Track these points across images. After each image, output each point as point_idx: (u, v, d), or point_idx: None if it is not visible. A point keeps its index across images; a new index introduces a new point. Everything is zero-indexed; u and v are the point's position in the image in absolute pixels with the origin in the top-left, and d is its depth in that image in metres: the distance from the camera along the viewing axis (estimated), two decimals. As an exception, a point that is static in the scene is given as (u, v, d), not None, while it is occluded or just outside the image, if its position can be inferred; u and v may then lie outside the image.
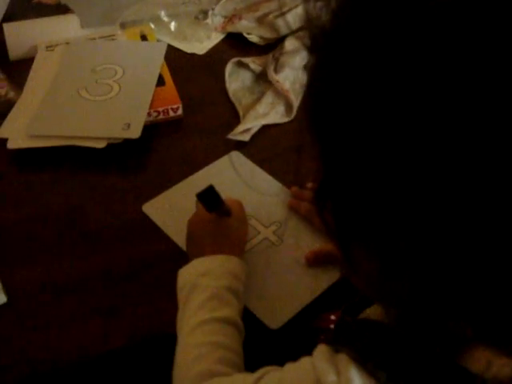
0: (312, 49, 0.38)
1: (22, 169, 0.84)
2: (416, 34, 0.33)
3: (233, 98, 0.94)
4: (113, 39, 1.00)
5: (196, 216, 0.71)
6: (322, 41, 0.37)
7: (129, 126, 0.84)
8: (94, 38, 1.01)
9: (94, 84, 0.91)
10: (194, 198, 0.78)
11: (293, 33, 1.02)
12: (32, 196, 0.80)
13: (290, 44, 0.99)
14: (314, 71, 0.39)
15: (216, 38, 1.06)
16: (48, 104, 0.88)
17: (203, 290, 0.62)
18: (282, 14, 1.02)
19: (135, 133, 0.83)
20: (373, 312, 0.48)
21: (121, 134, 0.83)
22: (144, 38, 1.01)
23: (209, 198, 0.68)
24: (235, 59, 0.97)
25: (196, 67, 1.00)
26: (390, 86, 0.33)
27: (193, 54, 1.03)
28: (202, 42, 1.04)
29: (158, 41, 1.02)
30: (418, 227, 0.35)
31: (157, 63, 0.95)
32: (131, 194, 0.80)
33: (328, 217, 0.41)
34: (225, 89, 0.96)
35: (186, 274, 0.65)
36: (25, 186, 0.81)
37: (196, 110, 0.92)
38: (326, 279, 0.71)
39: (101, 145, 0.82)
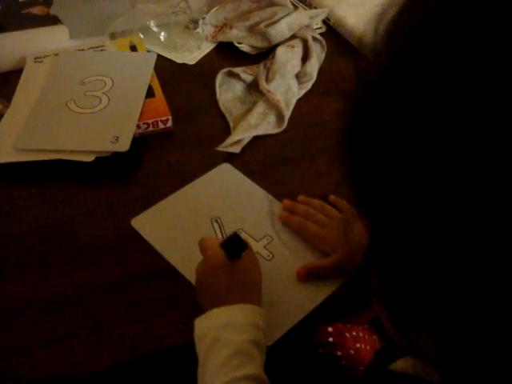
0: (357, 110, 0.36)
1: (9, 183, 0.82)
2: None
3: (223, 109, 0.93)
4: (102, 50, 0.99)
5: (205, 263, 0.66)
6: (370, 103, 0.35)
7: (117, 138, 0.83)
8: (83, 49, 1.00)
9: (82, 96, 0.90)
10: (184, 213, 0.78)
11: (284, 42, 1.01)
12: (19, 211, 0.79)
13: (281, 53, 0.98)
14: (359, 138, 0.36)
15: (207, 47, 1.05)
16: (36, 117, 0.87)
17: (225, 344, 0.59)
18: (274, 23, 1.01)
19: (124, 146, 0.82)
20: (409, 364, 0.45)
21: (109, 147, 0.82)
22: (134, 48, 1.00)
23: (234, 246, 0.65)
24: (226, 69, 0.96)
25: (186, 78, 0.99)
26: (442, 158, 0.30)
27: (183, 64, 1.02)
28: (192, 52, 1.03)
29: (148, 51, 1.01)
30: (480, 301, 0.32)
31: (146, 74, 0.94)
32: (120, 208, 0.79)
33: (374, 283, 0.39)
34: (215, 99, 0.95)
35: (205, 325, 0.62)
36: (12, 200, 0.80)
37: (186, 121, 0.91)
38: (318, 295, 0.70)
39: (89, 158, 0.81)
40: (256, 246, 0.74)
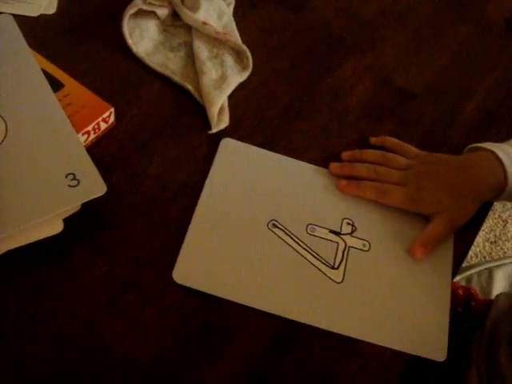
0: None
1: None
2: None
3: (157, 67, 0.65)
4: None
5: None
6: None
7: (74, 176, 0.52)
8: None
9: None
10: (226, 234, 0.55)
11: None
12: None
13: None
14: None
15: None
16: None
17: None
18: None
19: (98, 186, 0.52)
20: None
21: (74, 196, 0.51)
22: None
23: None
24: (132, 9, 0.66)
25: (65, 36, 0.66)
26: None
27: (41, 17, 0.67)
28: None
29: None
30: None
31: (23, 52, 0.59)
32: (139, 269, 0.53)
33: None
34: (132, 56, 0.65)
35: None
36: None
37: (122, 103, 0.62)
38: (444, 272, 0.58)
39: (57, 227, 0.50)
40: (343, 239, 0.57)
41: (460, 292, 0.75)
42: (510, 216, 1.37)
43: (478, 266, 0.96)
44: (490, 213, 1.35)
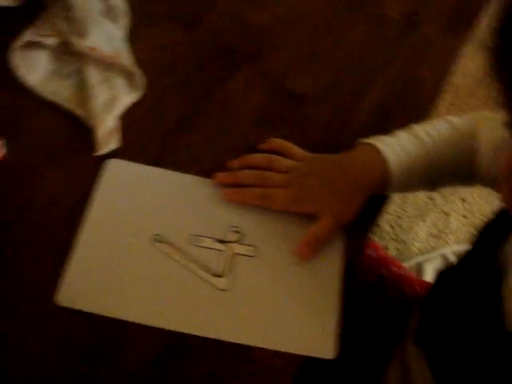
0: None
1: None
2: None
3: (48, 95, 0.67)
4: None
5: None
6: None
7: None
8: None
9: None
10: (114, 253, 0.57)
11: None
12: None
13: (71, -7, 0.71)
14: None
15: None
16: None
17: None
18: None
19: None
20: None
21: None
22: None
23: None
24: (21, 41, 0.67)
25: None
26: None
27: None
28: None
29: None
30: None
31: None
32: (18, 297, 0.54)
33: None
34: (23, 87, 0.67)
35: None
36: None
37: (13, 138, 0.63)
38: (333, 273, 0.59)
39: None
40: (229, 247, 0.59)
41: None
42: (451, 209, 1.38)
43: (409, 260, 0.97)
44: (432, 207, 1.37)
